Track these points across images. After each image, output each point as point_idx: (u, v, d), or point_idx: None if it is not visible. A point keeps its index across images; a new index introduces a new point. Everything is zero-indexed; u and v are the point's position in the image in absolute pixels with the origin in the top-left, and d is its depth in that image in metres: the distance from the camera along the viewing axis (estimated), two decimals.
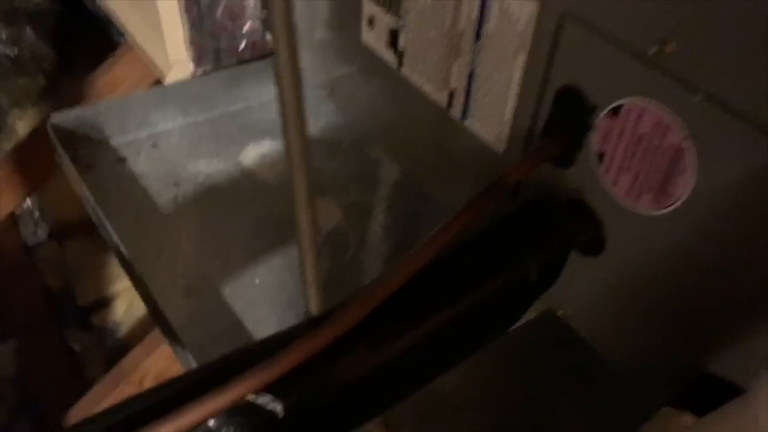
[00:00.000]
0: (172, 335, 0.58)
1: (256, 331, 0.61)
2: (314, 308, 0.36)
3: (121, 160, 0.73)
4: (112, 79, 1.26)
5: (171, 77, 0.71)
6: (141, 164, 0.73)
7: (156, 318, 0.63)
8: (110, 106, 0.74)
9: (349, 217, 0.71)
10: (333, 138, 0.78)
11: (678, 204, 0.38)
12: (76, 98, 1.28)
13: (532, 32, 0.42)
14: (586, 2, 0.39)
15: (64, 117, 0.71)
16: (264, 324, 0.61)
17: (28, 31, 1.36)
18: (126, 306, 1.28)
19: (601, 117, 0.40)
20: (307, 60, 0.74)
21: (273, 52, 0.27)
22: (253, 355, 0.32)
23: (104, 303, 1.30)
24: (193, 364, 0.58)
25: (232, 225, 0.70)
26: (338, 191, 0.73)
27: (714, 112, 0.34)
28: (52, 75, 1.42)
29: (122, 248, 0.63)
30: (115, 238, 0.64)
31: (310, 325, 0.35)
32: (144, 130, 0.75)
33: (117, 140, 0.74)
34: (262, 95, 0.80)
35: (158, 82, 1.26)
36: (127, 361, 1.02)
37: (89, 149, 0.73)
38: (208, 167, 0.74)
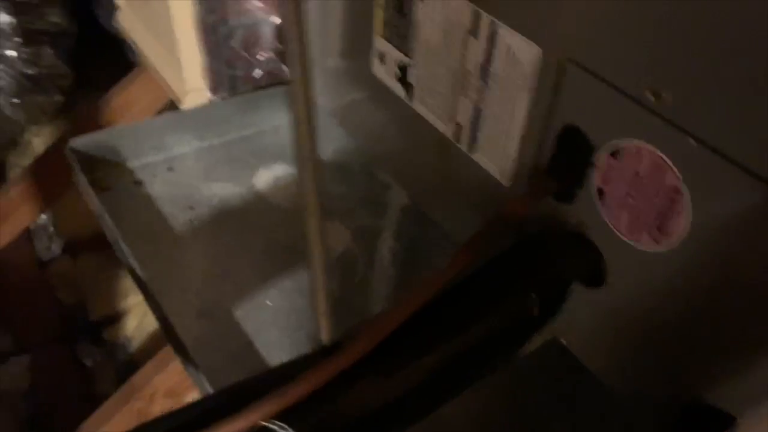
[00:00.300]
0: (185, 355, 0.60)
1: (267, 353, 0.62)
2: (325, 336, 0.38)
3: (138, 183, 0.75)
4: (127, 98, 1.29)
5: (187, 103, 0.73)
6: (157, 187, 0.75)
7: (169, 338, 0.65)
8: (127, 130, 0.76)
9: (358, 240, 0.73)
10: (343, 162, 0.80)
11: (675, 242, 0.39)
12: (91, 116, 1.31)
13: (536, 74, 0.44)
14: (586, 49, 0.41)
15: (82, 141, 0.73)
16: (275, 346, 0.62)
17: (47, 51, 1.40)
18: (137, 321, 1.30)
19: (602, 156, 0.42)
20: (319, 86, 0.76)
21: (288, 81, 0.29)
22: (265, 383, 0.34)
23: (116, 318, 1.32)
24: (206, 384, 0.60)
25: (245, 247, 0.71)
26: (347, 214, 0.75)
27: (707, 157, 0.36)
28: (69, 93, 1.45)
29: (137, 269, 0.65)
30: (131, 260, 0.66)
31: (320, 354, 0.37)
32: (160, 153, 0.77)
33: (134, 163, 0.76)
34: (274, 120, 0.82)
35: (173, 102, 1.30)
36: (138, 377, 1.03)
37: (106, 172, 0.75)
38: (222, 190, 0.77)
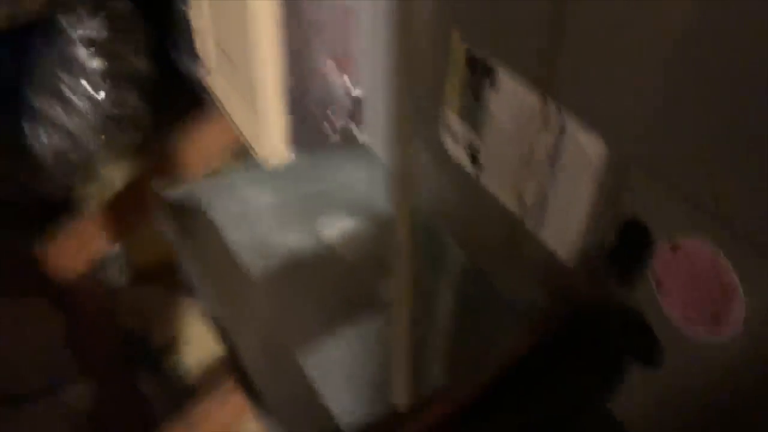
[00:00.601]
0: (256, 399, 0.65)
1: (329, 397, 0.66)
2: (401, 398, 0.42)
3: (218, 231, 0.81)
4: (201, 141, 1.38)
5: (265, 157, 0.79)
6: (235, 236, 0.81)
7: (239, 378, 0.70)
8: (211, 183, 0.83)
9: (417, 297, 0.77)
10: (411, 219, 0.84)
11: (729, 335, 0.42)
12: (167, 156, 1.40)
13: (601, 169, 0.48)
14: (650, 150, 0.44)
15: (172, 191, 0.80)
16: (337, 391, 0.66)
17: (131, 94, 1.50)
18: (196, 353, 1.36)
19: (661, 249, 0.45)
20: (386, 141, 0.81)
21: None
22: None
23: (176, 348, 1.38)
24: (271, 424, 0.64)
25: (312, 296, 0.76)
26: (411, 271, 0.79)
27: (763, 262, 0.39)
28: (146, 132, 1.55)
29: (215, 311, 0.70)
30: (210, 304, 0.71)
31: (393, 420, 0.41)
32: (240, 205, 0.84)
33: (215, 213, 0.83)
34: (344, 177, 0.88)
35: (243, 147, 1.37)
36: (197, 411, 1.09)
37: (190, 220, 0.82)
38: (294, 241, 0.82)
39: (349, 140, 0.84)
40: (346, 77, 0.79)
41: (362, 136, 0.84)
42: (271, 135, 0.79)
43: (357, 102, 0.81)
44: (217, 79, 0.92)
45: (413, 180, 0.33)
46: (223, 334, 0.69)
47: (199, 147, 1.38)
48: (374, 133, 0.83)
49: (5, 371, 1.31)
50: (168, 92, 1.57)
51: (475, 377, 0.40)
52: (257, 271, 0.77)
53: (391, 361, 0.69)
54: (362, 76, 0.79)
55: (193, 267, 0.75)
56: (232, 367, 0.70)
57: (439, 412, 0.38)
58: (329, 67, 0.77)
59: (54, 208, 1.53)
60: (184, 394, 1.33)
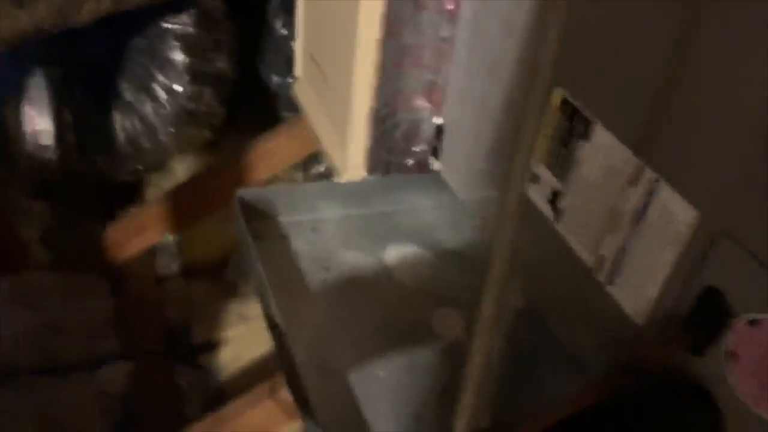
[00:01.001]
0: (305, 408, 0.66)
1: (373, 421, 0.67)
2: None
3: (285, 237, 0.84)
4: (270, 148, 1.41)
5: (345, 177, 0.81)
6: (300, 244, 0.83)
7: (291, 386, 0.71)
8: (285, 190, 0.85)
9: (470, 331, 0.78)
10: (471, 254, 0.85)
11: None
12: (236, 158, 1.43)
13: (688, 235, 0.48)
14: (740, 222, 0.45)
15: (248, 192, 0.83)
16: (382, 417, 0.67)
17: (208, 91, 1.55)
18: (234, 353, 1.38)
19: (740, 323, 0.45)
20: (466, 179, 0.82)
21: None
22: None
23: (215, 345, 1.41)
24: None
25: (368, 316, 0.77)
26: (466, 306, 0.80)
27: None
28: (217, 131, 1.60)
29: (277, 318, 0.72)
30: (273, 308, 0.73)
31: None
32: (308, 214, 0.86)
33: (285, 219, 0.85)
34: (413, 203, 0.90)
35: (311, 156, 1.40)
36: (229, 409, 1.10)
37: (261, 222, 0.84)
38: (355, 258, 0.83)
39: (424, 168, 0.86)
40: (431, 105, 0.81)
41: (438, 166, 0.86)
42: (351, 150, 0.81)
43: (439, 131, 0.83)
44: (304, 88, 0.95)
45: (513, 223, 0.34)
46: (279, 338, 0.71)
47: (265, 155, 1.41)
48: (451, 164, 0.84)
49: (51, 341, 1.35)
50: (246, 98, 1.62)
51: (532, 425, 0.40)
52: (317, 282, 0.79)
53: (438, 395, 0.69)
54: (448, 107, 0.81)
55: (263, 272, 0.76)
56: (289, 380, 0.71)
57: None
58: (417, 93, 0.79)
59: (122, 192, 1.58)
60: (218, 392, 1.35)
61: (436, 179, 0.88)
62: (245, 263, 0.82)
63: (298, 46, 0.94)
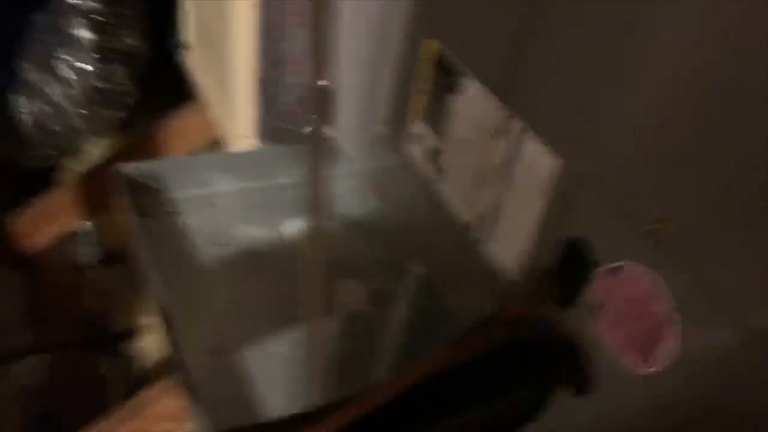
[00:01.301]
0: (190, 388, 0.63)
1: (268, 399, 0.64)
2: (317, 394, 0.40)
3: (176, 214, 0.79)
4: (181, 128, 1.36)
5: (234, 146, 0.77)
6: (193, 220, 0.79)
7: (176, 367, 0.67)
8: (175, 163, 0.81)
9: (374, 302, 0.75)
10: (371, 224, 0.82)
11: (661, 366, 0.40)
12: (146, 138, 1.38)
13: (552, 185, 0.46)
14: (602, 173, 0.43)
15: (132, 167, 0.78)
16: (277, 393, 0.65)
17: (119, 69, 1.48)
18: (155, 340, 1.34)
19: (603, 272, 0.43)
20: (359, 148, 0.80)
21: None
22: None
23: (135, 333, 1.36)
24: (203, 419, 0.62)
25: (263, 292, 0.74)
26: (367, 275, 0.77)
27: (699, 294, 0.37)
28: (131, 111, 1.53)
29: (159, 297, 0.68)
30: (155, 286, 0.69)
31: (307, 417, 0.39)
32: (201, 189, 0.82)
33: (176, 194, 0.81)
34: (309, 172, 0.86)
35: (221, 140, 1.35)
36: (146, 396, 1.06)
37: (149, 198, 0.79)
38: (252, 232, 0.80)
39: (318, 135, 0.82)
40: (321, 71, 0.77)
41: (332, 133, 0.83)
42: (240, 119, 0.78)
43: (329, 97, 0.79)
44: (196, 61, 0.90)
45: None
46: (167, 323, 0.67)
47: (180, 133, 1.36)
48: (344, 130, 0.81)
49: None
50: (160, 78, 1.55)
51: (392, 382, 0.38)
52: (211, 259, 0.75)
53: (338, 366, 0.67)
54: (337, 72, 0.77)
55: (146, 250, 0.73)
56: (174, 359, 0.68)
57: (346, 415, 0.36)
58: (305, 59, 0.76)
59: (34, 179, 1.51)
60: (141, 380, 1.30)
61: (333, 148, 0.84)
62: (132, 244, 0.78)
63: (189, 11, 0.89)
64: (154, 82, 1.54)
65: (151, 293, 0.72)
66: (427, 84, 0.59)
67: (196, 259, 0.76)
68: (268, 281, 0.76)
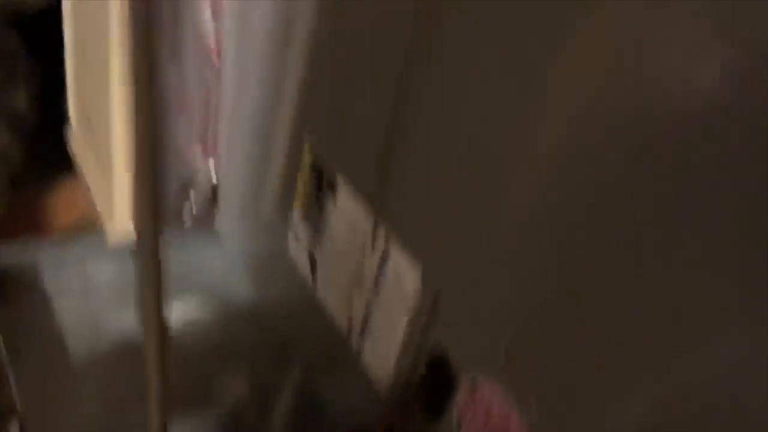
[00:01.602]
0: None
1: None
2: None
3: (48, 303, 0.75)
4: (61, 200, 1.30)
5: (112, 231, 0.75)
6: (66, 312, 0.75)
7: None
8: (51, 249, 0.77)
9: (255, 392, 0.73)
10: (252, 308, 0.81)
11: None
12: (22, 209, 1.31)
13: (416, 296, 0.47)
14: (459, 288, 0.44)
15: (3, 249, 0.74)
16: None
17: (3, 129, 1.40)
18: None
19: (463, 389, 0.44)
20: (240, 230, 0.78)
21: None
22: None
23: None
24: None
25: (138, 388, 0.71)
26: (250, 364, 0.75)
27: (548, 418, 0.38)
28: (14, 175, 1.45)
29: (18, 399, 0.64)
30: (14, 388, 0.64)
31: None
32: (77, 278, 0.78)
33: (48, 284, 0.76)
34: (196, 261, 0.84)
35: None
36: None
37: (18, 286, 0.75)
38: (129, 323, 0.76)
39: (204, 224, 0.81)
40: (210, 162, 0.76)
41: (218, 222, 0.81)
42: (122, 207, 0.75)
43: (216, 188, 0.78)
44: (78, 141, 0.87)
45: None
46: (20, 423, 0.62)
47: (60, 206, 1.30)
48: (226, 218, 0.80)
49: None
50: (46, 146, 1.48)
51: None
52: (83, 354, 0.71)
53: None
54: (222, 163, 0.76)
55: (7, 344, 0.68)
56: None
57: None
58: (193, 148, 0.75)
59: None
60: None
61: (219, 237, 0.83)
62: None
63: (71, 95, 0.87)
64: (41, 149, 1.47)
65: (13, 393, 0.67)
66: (306, 185, 0.59)
67: (65, 352, 0.71)
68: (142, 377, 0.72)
